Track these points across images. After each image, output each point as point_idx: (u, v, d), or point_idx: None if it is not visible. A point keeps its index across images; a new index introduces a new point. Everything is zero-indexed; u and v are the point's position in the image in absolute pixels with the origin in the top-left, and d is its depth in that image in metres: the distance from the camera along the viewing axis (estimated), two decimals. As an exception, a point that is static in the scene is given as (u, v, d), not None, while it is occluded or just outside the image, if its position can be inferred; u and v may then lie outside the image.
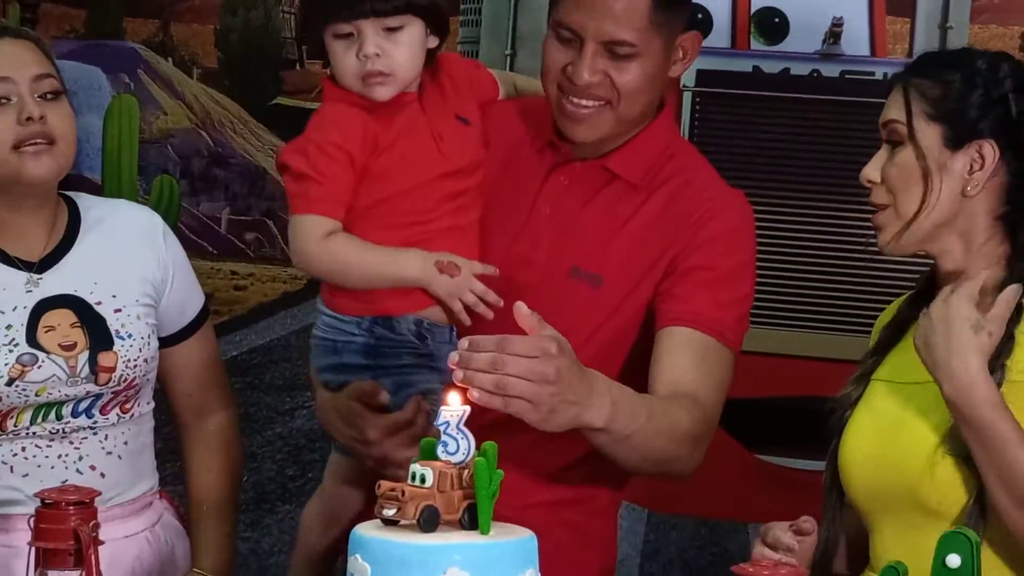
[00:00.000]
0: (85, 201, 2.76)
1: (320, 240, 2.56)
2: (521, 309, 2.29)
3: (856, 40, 3.61)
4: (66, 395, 2.62)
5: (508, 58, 3.78)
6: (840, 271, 3.60)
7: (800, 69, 3.61)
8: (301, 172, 2.56)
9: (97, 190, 3.96)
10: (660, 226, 2.58)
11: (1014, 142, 2.37)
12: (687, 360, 2.48)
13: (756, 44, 3.62)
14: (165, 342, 2.77)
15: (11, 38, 2.67)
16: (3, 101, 2.59)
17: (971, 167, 2.38)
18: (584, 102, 2.54)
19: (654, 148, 2.62)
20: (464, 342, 2.26)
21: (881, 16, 3.62)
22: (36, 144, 2.60)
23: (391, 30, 2.57)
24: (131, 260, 2.72)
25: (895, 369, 2.46)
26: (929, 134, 2.38)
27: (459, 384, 2.21)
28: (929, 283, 2.48)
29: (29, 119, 2.58)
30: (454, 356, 2.24)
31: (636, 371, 2.50)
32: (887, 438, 2.40)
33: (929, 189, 2.38)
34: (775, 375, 3.60)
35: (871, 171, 2.43)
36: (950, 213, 2.38)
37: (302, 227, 2.56)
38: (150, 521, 2.77)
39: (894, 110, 2.41)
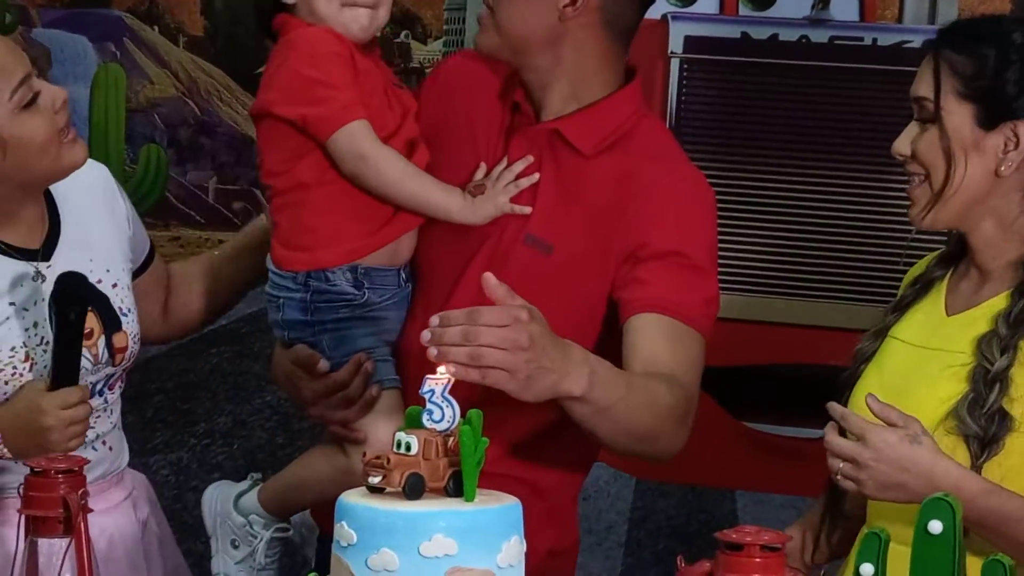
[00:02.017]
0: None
1: (377, 143, 2.52)
2: (489, 280, 2.28)
3: (845, 5, 3.61)
4: (90, 382, 2.63)
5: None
6: (831, 238, 3.60)
7: (789, 35, 3.61)
8: (317, 92, 2.49)
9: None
10: (612, 197, 2.54)
11: None
12: (659, 343, 2.46)
13: (744, 10, 3.63)
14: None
15: None
16: (33, 102, 2.52)
17: (1005, 146, 2.37)
18: (482, 10, 2.53)
19: (612, 119, 2.58)
20: (435, 319, 2.25)
21: (870, -18, 3.64)
22: (71, 131, 2.52)
23: None
24: (105, 226, 2.71)
25: (912, 329, 2.46)
26: (959, 114, 2.34)
27: (433, 360, 2.21)
28: (958, 245, 2.47)
29: (65, 102, 2.47)
30: (426, 334, 2.24)
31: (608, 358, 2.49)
32: (892, 400, 2.40)
33: (953, 169, 2.37)
34: (763, 343, 3.62)
35: (902, 145, 2.41)
36: (982, 191, 2.37)
37: (354, 136, 2.51)
38: (131, 481, 2.80)
39: (923, 86, 2.39)
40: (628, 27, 2.57)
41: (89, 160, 2.82)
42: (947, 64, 2.36)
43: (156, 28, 4.11)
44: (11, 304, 2.59)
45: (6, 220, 2.62)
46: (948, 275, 2.45)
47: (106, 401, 2.66)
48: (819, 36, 3.67)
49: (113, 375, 2.65)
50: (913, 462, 2.24)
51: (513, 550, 1.97)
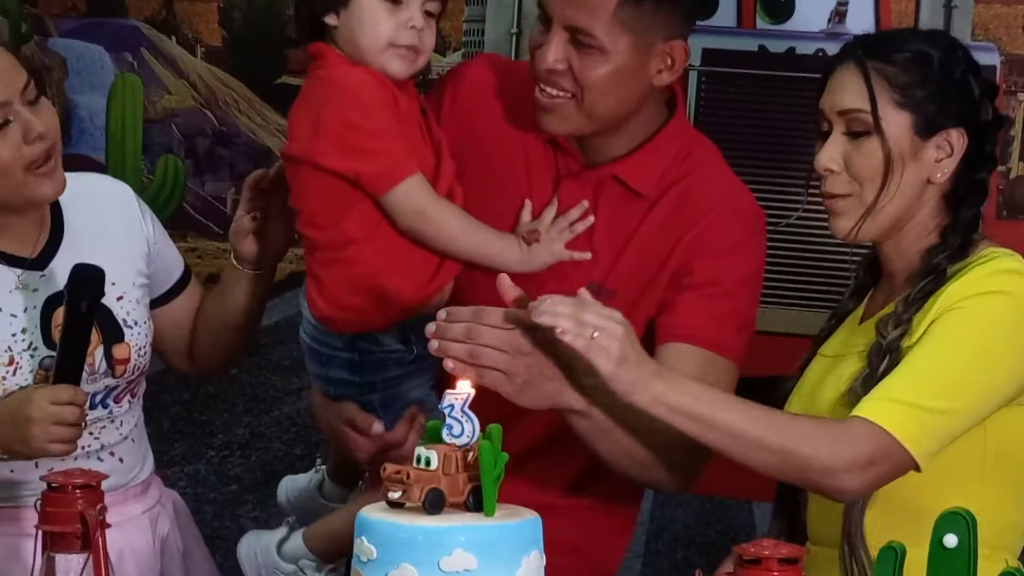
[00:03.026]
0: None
1: (434, 198, 2.50)
2: (504, 282, 2.30)
3: (862, 19, 3.61)
4: (86, 392, 2.64)
5: (514, 36, 3.78)
6: (850, 250, 3.59)
7: (806, 48, 3.61)
8: (366, 144, 2.47)
9: (101, 170, 3.96)
10: (665, 232, 2.55)
11: (974, 126, 2.37)
12: (688, 374, 2.42)
13: (762, 23, 3.62)
14: (154, 303, 2.78)
15: None
16: (3, 125, 2.50)
17: (939, 155, 2.38)
18: (550, 90, 2.48)
19: (666, 156, 2.57)
20: (442, 313, 2.27)
21: (886, -7, 3.63)
22: (47, 164, 2.55)
23: (429, 14, 2.53)
24: (118, 240, 2.71)
25: (832, 343, 2.49)
26: (898, 124, 2.35)
27: (433, 354, 2.22)
28: (871, 273, 2.49)
29: (38, 136, 2.52)
30: (431, 326, 2.25)
31: None
32: (806, 408, 2.43)
33: (890, 179, 2.38)
34: (783, 354, 3.62)
35: (829, 160, 2.40)
36: (913, 201, 2.38)
37: (411, 193, 2.48)
38: (156, 496, 2.80)
39: (853, 97, 2.37)
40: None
41: (111, 178, 2.82)
42: (879, 75, 2.35)
43: (174, 38, 4.11)
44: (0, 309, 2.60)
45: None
46: (868, 295, 2.47)
47: (111, 413, 2.66)
48: (836, 50, 3.66)
49: (116, 387, 2.65)
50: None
51: (533, 564, 1.98)
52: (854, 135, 2.37)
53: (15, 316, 2.59)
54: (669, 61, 2.49)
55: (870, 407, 2.25)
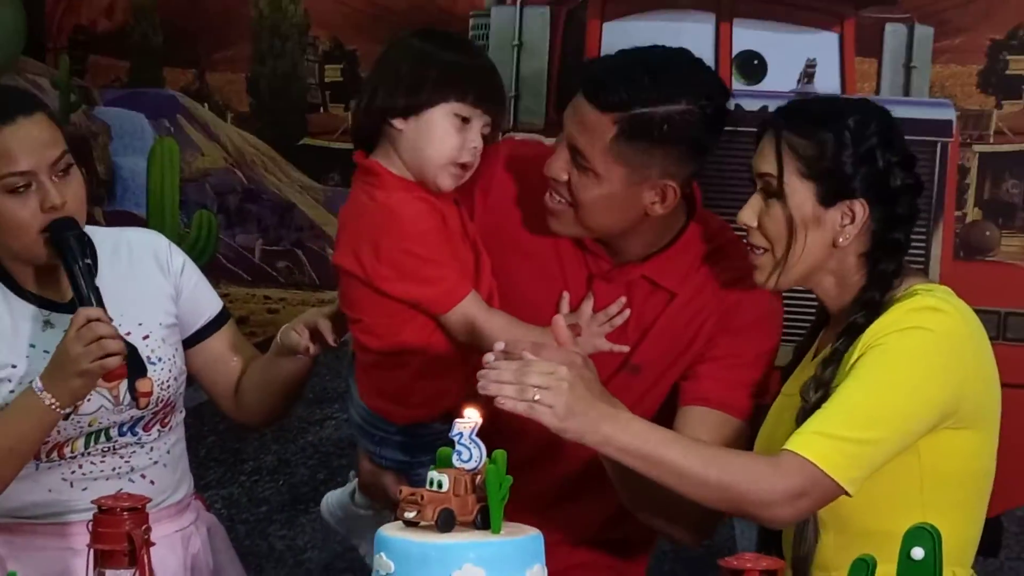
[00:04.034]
0: (98, 234, 2.70)
1: (487, 311, 2.48)
2: (559, 322, 2.30)
3: (828, 79, 3.60)
4: (113, 421, 2.62)
5: (512, 99, 3.77)
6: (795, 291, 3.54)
7: (777, 106, 3.61)
8: (426, 272, 2.45)
9: (143, 225, 3.97)
10: (690, 319, 2.53)
11: (882, 193, 2.36)
12: (702, 433, 2.44)
13: (737, 84, 3.61)
14: (188, 342, 2.76)
15: (25, 116, 2.54)
16: (24, 188, 2.51)
17: (842, 221, 2.37)
18: (554, 195, 2.46)
19: (691, 253, 2.55)
20: (500, 345, 2.26)
21: (850, 57, 3.62)
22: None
23: (484, 136, 2.52)
24: (147, 283, 2.70)
25: (791, 382, 2.49)
26: (801, 191, 2.34)
27: (480, 391, 2.20)
28: (823, 312, 2.49)
29: (52, 207, 2.51)
30: (489, 356, 2.24)
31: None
32: (765, 447, 2.43)
33: (794, 241, 2.36)
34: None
35: (748, 217, 2.40)
36: (822, 260, 2.38)
37: (467, 312, 2.47)
38: (191, 518, 2.79)
39: (767, 163, 2.37)
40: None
41: (143, 229, 2.82)
42: (788, 145, 2.35)
43: (206, 105, 4.11)
44: (32, 346, 2.60)
45: (30, 274, 2.63)
46: (817, 337, 2.47)
47: (140, 440, 2.65)
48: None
49: (143, 417, 2.64)
50: (603, 393, 2.27)
51: (536, 577, 1.96)
52: (767, 196, 2.37)
53: (47, 352, 2.58)
54: (662, 196, 2.45)
55: (799, 441, 2.25)
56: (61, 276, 2.60)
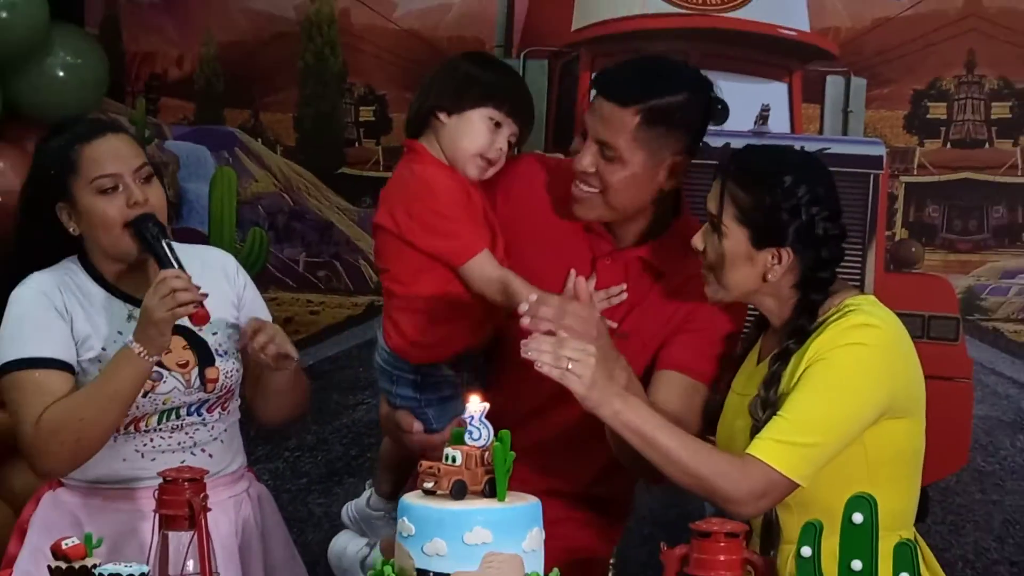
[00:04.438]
0: (179, 248, 2.67)
1: (499, 267, 2.50)
2: (581, 283, 2.34)
3: (780, 121, 3.60)
4: (183, 401, 2.61)
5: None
6: None
7: (738, 143, 3.55)
8: (449, 228, 2.48)
9: (205, 240, 3.97)
10: (674, 297, 2.54)
11: (807, 241, 2.33)
12: (673, 395, 2.47)
13: (704, 124, 3.60)
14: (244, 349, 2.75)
15: (113, 133, 2.60)
16: (112, 190, 2.54)
17: (771, 262, 2.34)
18: (582, 187, 2.48)
19: (680, 241, 2.52)
20: (532, 296, 2.31)
21: (798, 103, 3.62)
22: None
23: (509, 143, 2.55)
24: (216, 290, 2.69)
25: (739, 380, 2.47)
26: (737, 233, 2.32)
27: (523, 356, 2.21)
28: (763, 318, 2.48)
29: (136, 203, 2.53)
30: (523, 306, 2.29)
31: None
32: (726, 444, 2.41)
33: (729, 271, 2.34)
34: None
35: (697, 241, 2.39)
36: (755, 288, 2.36)
37: (481, 265, 2.49)
38: (244, 487, 2.77)
39: (713, 203, 2.35)
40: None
41: (219, 249, 2.83)
42: (730, 193, 2.33)
43: (259, 140, 4.12)
44: (120, 333, 2.59)
45: (120, 274, 2.63)
46: (761, 335, 2.45)
47: (204, 420, 2.64)
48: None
49: (208, 400, 2.63)
50: (613, 357, 2.28)
51: (535, 538, 1.95)
52: (712, 229, 2.36)
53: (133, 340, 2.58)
54: (671, 172, 2.48)
55: (759, 447, 2.25)
56: (145, 278, 2.60)
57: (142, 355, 2.47)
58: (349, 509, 2.83)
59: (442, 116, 2.54)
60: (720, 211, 2.32)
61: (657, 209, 2.54)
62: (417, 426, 2.57)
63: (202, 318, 2.50)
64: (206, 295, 2.49)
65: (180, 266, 2.50)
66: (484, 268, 2.48)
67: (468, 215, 2.50)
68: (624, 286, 2.53)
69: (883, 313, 2.34)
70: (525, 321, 2.25)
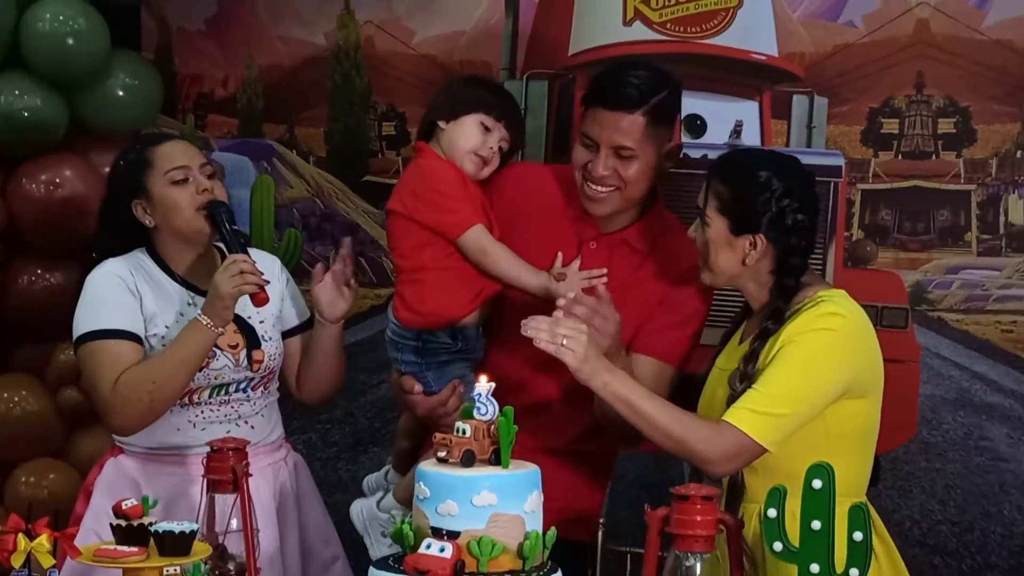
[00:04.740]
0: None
1: (493, 240, 2.54)
2: (573, 267, 2.40)
3: (751, 136, 3.59)
4: (232, 378, 2.63)
5: (519, 153, 3.74)
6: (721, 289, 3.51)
7: (715, 155, 3.55)
8: (447, 205, 2.52)
9: (247, 239, 3.96)
10: (651, 271, 2.57)
11: (779, 229, 2.33)
12: (645, 374, 2.48)
13: (685, 138, 3.60)
14: (284, 335, 2.76)
15: (178, 140, 2.73)
16: (183, 181, 2.59)
17: (748, 247, 2.35)
18: (599, 188, 2.51)
19: (657, 225, 2.59)
20: (571, 294, 2.38)
21: (768, 119, 3.61)
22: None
23: (501, 148, 2.60)
24: (269, 285, 2.71)
25: (723, 357, 2.47)
26: (717, 222, 2.34)
27: (523, 333, 2.25)
28: (748, 306, 2.47)
29: (204, 190, 2.59)
30: (561, 301, 2.34)
31: None
32: (706, 411, 2.41)
33: (714, 256, 2.35)
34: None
35: (690, 232, 2.43)
36: (738, 271, 2.37)
37: (476, 236, 2.52)
38: (282, 455, 2.78)
39: (701, 197, 2.39)
40: None
41: (267, 253, 2.86)
42: (713, 188, 2.35)
43: (294, 151, 4.12)
44: (181, 315, 2.61)
45: (185, 264, 2.65)
46: (745, 320, 2.45)
47: (248, 396, 2.66)
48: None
49: (254, 379, 2.64)
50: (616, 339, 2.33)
51: (535, 501, 1.94)
52: (701, 222, 2.37)
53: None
54: (668, 154, 2.56)
55: (734, 415, 2.26)
56: (206, 270, 2.62)
57: (209, 326, 2.51)
58: (360, 513, 2.78)
59: (441, 123, 2.60)
60: (705, 203, 2.35)
61: (643, 199, 2.58)
62: (418, 388, 2.60)
63: (262, 300, 2.53)
64: (268, 281, 2.53)
65: (246, 251, 2.55)
66: (479, 239, 2.51)
67: (466, 197, 2.53)
68: (605, 270, 2.54)
69: (850, 305, 2.34)
70: (524, 330, 2.27)
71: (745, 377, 2.30)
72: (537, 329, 2.24)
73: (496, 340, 2.64)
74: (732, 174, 2.35)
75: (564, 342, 2.23)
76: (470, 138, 2.56)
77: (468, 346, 2.59)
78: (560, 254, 2.57)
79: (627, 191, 2.51)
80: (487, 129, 2.57)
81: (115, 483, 2.64)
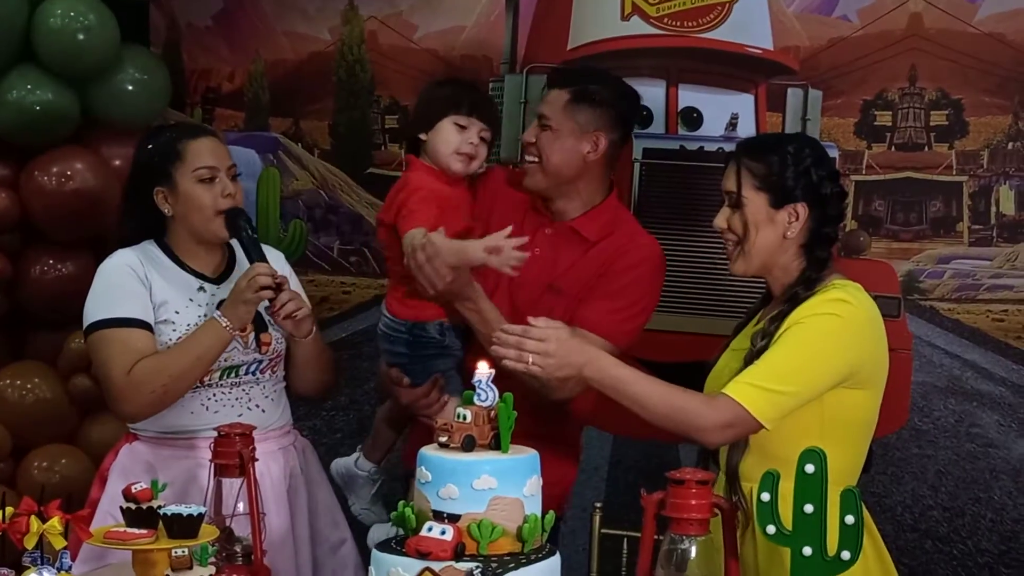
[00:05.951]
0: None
1: (425, 239, 2.56)
2: (539, 320, 2.39)
3: (746, 128, 3.59)
4: (242, 361, 2.65)
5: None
6: (721, 278, 3.49)
7: (711, 147, 3.59)
8: (407, 210, 2.61)
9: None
10: (598, 259, 2.67)
11: (817, 198, 2.35)
12: None
13: (681, 130, 3.60)
14: None
15: (209, 136, 2.70)
16: (210, 180, 2.61)
17: (789, 219, 2.35)
18: (528, 158, 2.67)
19: (605, 216, 2.70)
20: (504, 328, 2.38)
21: (763, 112, 3.60)
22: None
23: (482, 139, 2.69)
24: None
25: (738, 339, 2.48)
26: (756, 200, 2.35)
27: (493, 355, 2.30)
28: (767, 297, 2.48)
29: (228, 195, 2.61)
30: (499, 335, 2.36)
31: None
32: (713, 386, 2.41)
33: (755, 236, 2.36)
34: (704, 345, 3.59)
35: (720, 221, 2.43)
36: (774, 248, 2.37)
37: (412, 236, 2.58)
38: (291, 440, 2.79)
39: (731, 182, 2.39)
40: (615, 159, 2.69)
41: (274, 249, 2.89)
42: (746, 167, 2.36)
43: (300, 144, 4.12)
44: (191, 300, 2.62)
45: (194, 255, 2.67)
46: (761, 308, 2.45)
47: (257, 379, 2.68)
48: (731, 147, 3.63)
49: (262, 362, 2.67)
50: (580, 348, 2.30)
51: (534, 484, 1.95)
52: (733, 206, 2.38)
53: (200, 306, 2.63)
54: (594, 145, 2.65)
55: (733, 387, 2.26)
56: (212, 259, 2.65)
57: (228, 328, 2.54)
58: (337, 465, 2.89)
59: (422, 136, 2.70)
60: (739, 185, 2.35)
61: (585, 190, 2.68)
62: (405, 380, 2.65)
63: (267, 344, 2.64)
64: (286, 279, 2.56)
65: (263, 257, 2.59)
66: (413, 238, 2.57)
67: (438, 204, 2.60)
68: (527, 238, 2.60)
69: (862, 296, 2.35)
70: (497, 352, 2.32)
71: (767, 335, 2.32)
72: (504, 350, 2.29)
73: (473, 339, 2.73)
74: (763, 150, 2.37)
75: (531, 359, 2.29)
76: (449, 140, 2.64)
77: (453, 343, 2.66)
78: (509, 228, 2.63)
79: (546, 165, 2.63)
80: (462, 127, 2.65)
81: (130, 468, 2.65)
